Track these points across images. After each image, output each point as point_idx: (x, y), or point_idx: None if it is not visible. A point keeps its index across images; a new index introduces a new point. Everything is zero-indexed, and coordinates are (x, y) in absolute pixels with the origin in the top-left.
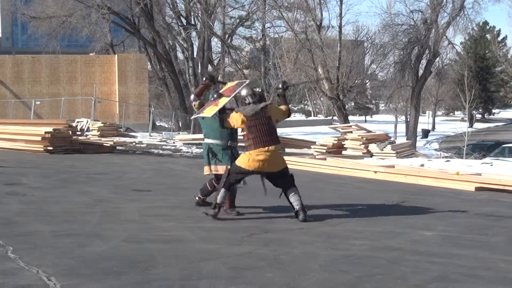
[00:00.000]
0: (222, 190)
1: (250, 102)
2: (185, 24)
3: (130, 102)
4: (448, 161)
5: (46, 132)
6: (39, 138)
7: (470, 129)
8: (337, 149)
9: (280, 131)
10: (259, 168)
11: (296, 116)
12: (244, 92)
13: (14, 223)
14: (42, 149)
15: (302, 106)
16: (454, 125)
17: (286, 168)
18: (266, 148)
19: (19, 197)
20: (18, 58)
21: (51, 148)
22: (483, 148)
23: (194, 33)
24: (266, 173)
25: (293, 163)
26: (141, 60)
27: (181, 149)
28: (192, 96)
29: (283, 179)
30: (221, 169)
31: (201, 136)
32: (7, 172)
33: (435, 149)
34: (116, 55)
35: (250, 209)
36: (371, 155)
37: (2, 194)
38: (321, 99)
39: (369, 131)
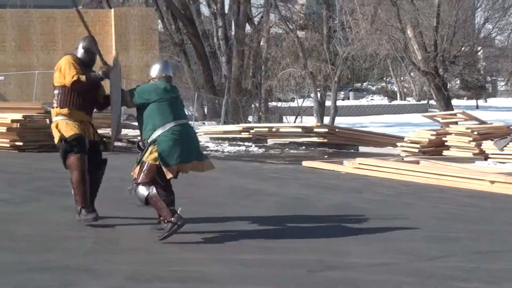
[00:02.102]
0: None
1: None
2: None
3: (133, 78)
4: None
5: (13, 121)
6: (3, 129)
7: None
8: (435, 148)
9: (352, 121)
10: None
11: (374, 100)
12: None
13: None
14: (8, 145)
15: (384, 85)
16: None
17: None
18: None
19: None
20: None
21: (20, 143)
22: None
23: None
24: None
25: (370, 168)
26: (148, 17)
27: (208, 147)
28: None
29: None
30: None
31: (235, 127)
32: None
33: None
34: (112, 10)
35: (306, 231)
36: (486, 158)
37: None
38: (411, 74)
39: (483, 122)
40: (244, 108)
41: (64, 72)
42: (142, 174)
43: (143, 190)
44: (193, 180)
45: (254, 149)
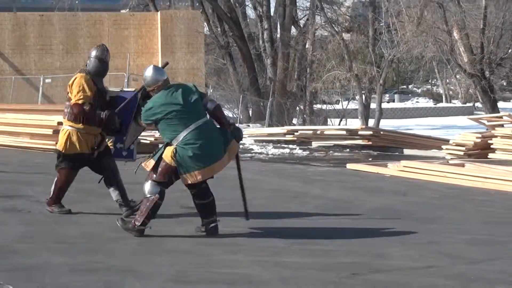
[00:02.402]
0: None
1: None
2: None
3: (179, 80)
4: None
5: (59, 123)
6: (50, 132)
7: None
8: (481, 151)
9: (397, 123)
10: None
11: (420, 102)
12: None
13: (15, 252)
14: (54, 147)
15: (429, 87)
16: None
17: None
18: None
19: (22, 215)
20: (20, 17)
21: None
22: None
23: None
24: None
25: (415, 170)
26: (194, 20)
27: (252, 149)
28: None
29: None
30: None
31: (279, 130)
32: (6, 179)
33: None
34: (158, 13)
35: (350, 234)
36: None
37: None
38: (457, 77)
39: None
40: (289, 110)
41: (73, 90)
42: (157, 172)
43: (150, 188)
44: (236, 181)
45: (298, 151)
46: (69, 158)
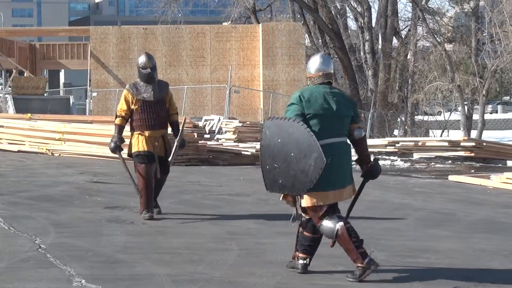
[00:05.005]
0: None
1: None
2: None
3: (280, 92)
4: None
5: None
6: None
7: None
8: None
9: (500, 134)
10: None
11: None
12: None
13: (118, 263)
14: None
15: None
16: None
17: None
18: None
19: (124, 226)
20: (125, 31)
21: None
22: None
23: None
24: None
25: None
26: (295, 32)
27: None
28: None
29: None
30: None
31: (380, 141)
32: (109, 190)
33: None
34: (260, 25)
35: (450, 247)
36: None
37: (102, 221)
38: None
39: None
40: (390, 122)
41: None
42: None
43: (327, 224)
44: None
45: (399, 163)
46: (138, 156)
